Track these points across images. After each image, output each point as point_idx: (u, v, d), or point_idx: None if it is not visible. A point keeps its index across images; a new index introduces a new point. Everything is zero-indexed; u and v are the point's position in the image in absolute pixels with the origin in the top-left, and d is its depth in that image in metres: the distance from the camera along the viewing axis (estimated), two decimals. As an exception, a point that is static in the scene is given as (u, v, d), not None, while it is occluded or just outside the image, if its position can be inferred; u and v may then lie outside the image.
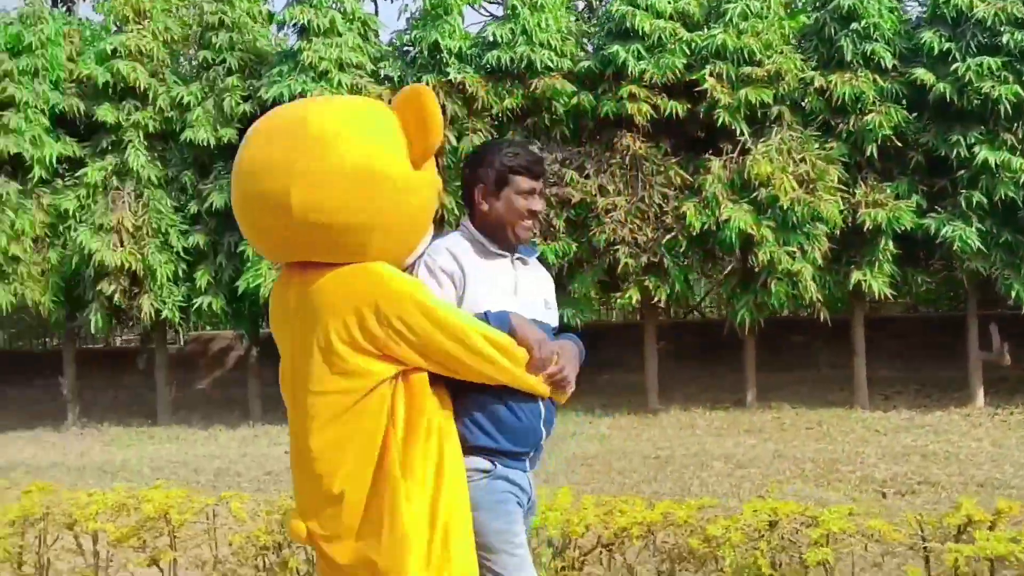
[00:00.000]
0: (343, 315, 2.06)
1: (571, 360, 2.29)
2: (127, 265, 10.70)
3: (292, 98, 10.26)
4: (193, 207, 11.27)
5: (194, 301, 11.14)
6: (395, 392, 2.09)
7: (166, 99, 11.43)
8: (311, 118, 2.08)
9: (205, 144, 10.99)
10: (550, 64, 10.40)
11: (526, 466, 2.31)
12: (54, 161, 11.46)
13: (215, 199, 10.88)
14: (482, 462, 2.22)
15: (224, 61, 11.28)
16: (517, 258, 2.36)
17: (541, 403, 2.31)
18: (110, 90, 11.45)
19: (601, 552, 3.28)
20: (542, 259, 3.17)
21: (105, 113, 11.34)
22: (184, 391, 13.26)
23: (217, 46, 11.31)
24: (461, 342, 2.10)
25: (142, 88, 11.38)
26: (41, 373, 13.47)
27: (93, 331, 11.50)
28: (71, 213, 11.23)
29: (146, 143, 11.44)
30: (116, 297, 10.84)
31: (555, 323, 2.44)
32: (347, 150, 2.02)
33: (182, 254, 11.20)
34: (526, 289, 2.34)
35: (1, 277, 11.08)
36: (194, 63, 11.69)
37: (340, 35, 10.88)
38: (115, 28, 11.75)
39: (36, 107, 11.42)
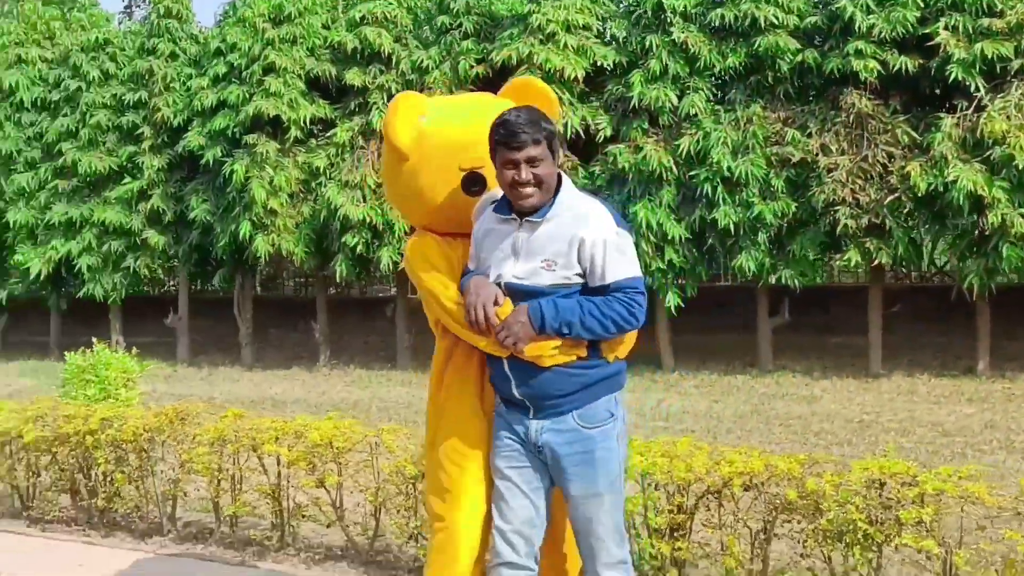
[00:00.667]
0: None
1: (517, 322, 3.27)
2: (368, 219, 15.33)
3: (520, 61, 14.40)
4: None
5: (428, 254, 15.56)
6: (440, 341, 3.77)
7: (408, 63, 15.96)
8: None
9: (443, 105, 15.33)
10: (775, 21, 13.61)
11: (524, 415, 3.43)
12: (308, 122, 16.42)
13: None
14: (499, 403, 3.58)
15: (460, 25, 15.59)
16: (526, 220, 3.35)
17: (504, 362, 3.40)
18: (358, 55, 16.21)
19: (709, 499, 4.56)
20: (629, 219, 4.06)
21: (353, 77, 16.12)
22: (428, 337, 17.99)
23: (455, 11, 15.66)
24: (436, 302, 3.57)
25: (386, 53, 15.99)
26: (303, 318, 18.69)
27: (339, 279, 16.44)
28: (322, 170, 16.10)
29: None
30: (359, 248, 15.53)
31: (547, 282, 3.32)
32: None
33: (411, 209, 15.66)
34: (527, 251, 3.35)
35: (260, 228, 16.19)
36: (434, 28, 16.06)
37: (574, -5, 14.76)
38: (364, -4, 16.44)
39: (294, 72, 16.45)
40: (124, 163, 18.35)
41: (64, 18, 20.15)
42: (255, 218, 16.09)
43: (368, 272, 17.45)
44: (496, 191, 3.54)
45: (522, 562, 3.46)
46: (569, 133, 14.37)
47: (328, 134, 16.48)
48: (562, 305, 3.29)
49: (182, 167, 18.11)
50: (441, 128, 3.68)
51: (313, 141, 16.68)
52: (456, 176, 3.64)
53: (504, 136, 3.30)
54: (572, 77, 14.37)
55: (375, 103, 16.01)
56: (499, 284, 3.39)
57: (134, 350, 10.80)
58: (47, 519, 6.65)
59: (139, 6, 28.37)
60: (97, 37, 18.86)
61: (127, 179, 18.31)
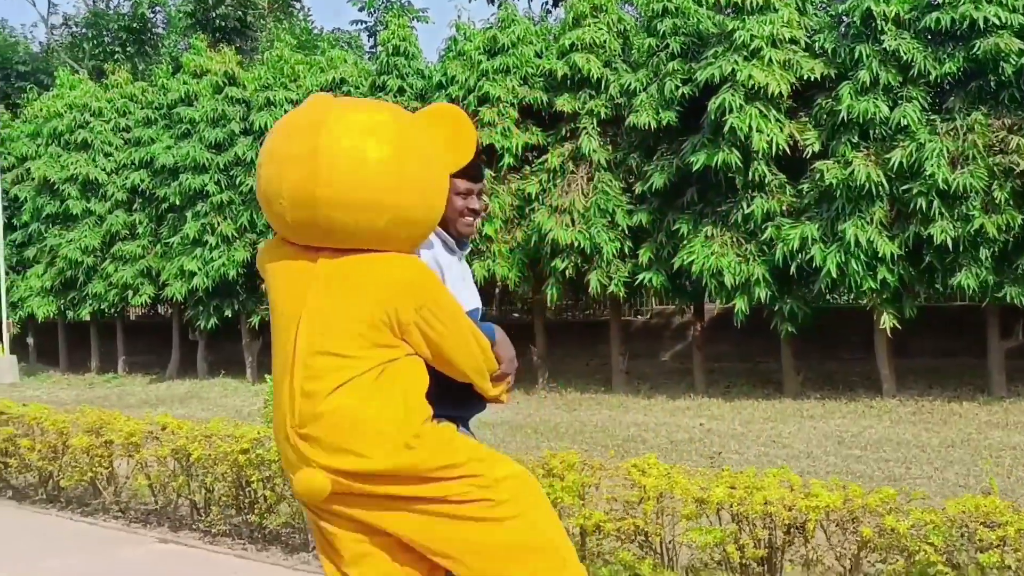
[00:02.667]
0: (383, 299, 2.94)
1: (514, 360, 3.35)
2: (577, 243, 15.48)
3: (723, 79, 14.17)
4: (638, 188, 15.67)
5: (638, 277, 15.52)
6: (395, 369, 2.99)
7: (616, 87, 16.03)
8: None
9: (648, 127, 15.30)
10: (997, 21, 12.72)
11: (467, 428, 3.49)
12: (520, 150, 16.79)
13: (656, 179, 15.14)
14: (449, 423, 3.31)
15: (667, 46, 15.52)
16: (462, 252, 3.50)
17: None
18: (568, 81, 16.45)
19: (795, 534, 4.50)
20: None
21: (564, 103, 16.37)
22: (644, 361, 18.01)
23: (662, 32, 15.61)
24: (465, 347, 3.08)
25: (595, 78, 16.14)
26: (524, 341, 19.12)
27: (549, 304, 16.69)
28: (534, 196, 16.41)
29: (598, 129, 16.18)
30: (568, 272, 15.71)
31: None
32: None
33: (627, 232, 15.66)
34: (470, 280, 3.53)
35: (476, 254, 16.68)
36: (641, 51, 16.07)
37: (776, 11, 14.38)
38: (573, 23, 16.66)
39: (508, 101, 16.87)
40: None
41: (307, 61, 21.59)
42: (472, 244, 16.60)
43: (581, 296, 17.59)
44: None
45: None
46: (775, 150, 13.98)
47: (540, 160, 16.80)
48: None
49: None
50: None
51: (527, 168, 17.05)
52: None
53: (470, 170, 3.37)
54: (777, 93, 13.96)
55: (585, 128, 16.19)
56: (477, 310, 3.45)
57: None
58: (214, 531, 7.16)
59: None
60: (334, 77, 20.11)
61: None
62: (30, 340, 28.02)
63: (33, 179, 25.27)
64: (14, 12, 74.83)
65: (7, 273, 26.17)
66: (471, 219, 3.45)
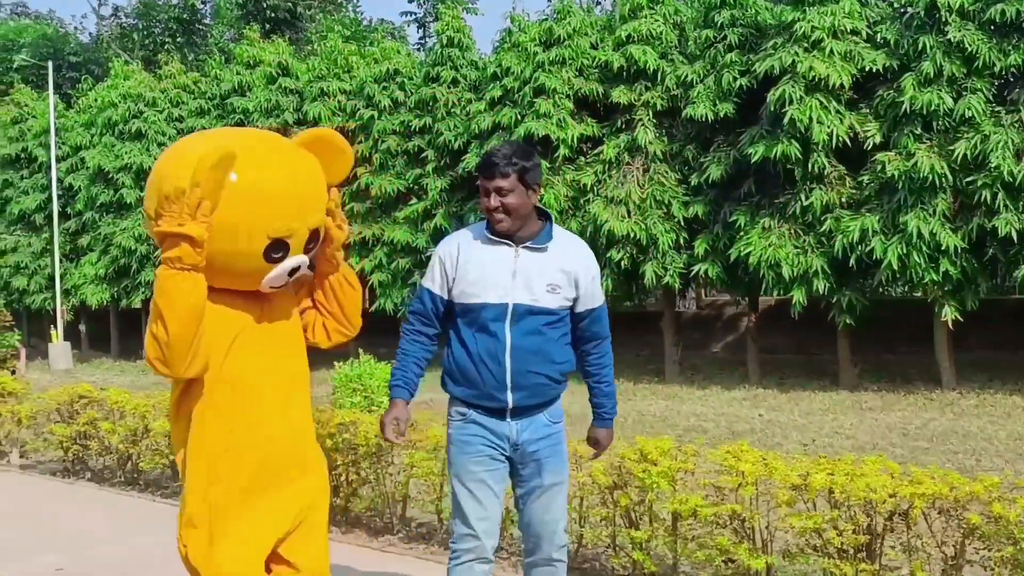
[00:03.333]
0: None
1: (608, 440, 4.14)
2: (632, 234, 15.53)
3: (783, 70, 14.15)
4: (694, 179, 15.68)
5: (693, 268, 15.55)
6: None
7: (672, 78, 16.05)
8: None
9: (704, 119, 15.31)
10: (1064, 13, 12.59)
11: (503, 418, 3.76)
12: (576, 141, 16.84)
13: (713, 171, 15.14)
14: (461, 408, 3.85)
15: (725, 38, 15.51)
16: (523, 246, 3.70)
17: (507, 372, 3.71)
18: (624, 73, 16.47)
19: (897, 521, 4.49)
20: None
21: (620, 94, 16.41)
22: (696, 352, 18.03)
23: (719, 23, 15.59)
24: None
25: (652, 69, 16.16)
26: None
27: (605, 293, 16.75)
28: (589, 187, 16.46)
29: (654, 120, 16.20)
30: (624, 263, 15.76)
31: (554, 304, 3.72)
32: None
33: (683, 224, 15.68)
34: (527, 274, 3.70)
35: (532, 245, 16.78)
36: (698, 43, 16.08)
37: (837, 1, 14.33)
38: (629, 15, 16.68)
39: (563, 93, 16.93)
40: (411, 185, 19.58)
41: (360, 52, 21.75)
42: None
43: (636, 287, 17.62)
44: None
45: (490, 556, 3.87)
46: (835, 142, 13.95)
47: (595, 151, 16.85)
48: (614, 401, 4.15)
49: (463, 187, 19.06)
50: (248, 197, 3.15)
51: (581, 159, 17.10)
52: (263, 242, 3.18)
53: (480, 167, 3.77)
54: (838, 84, 13.93)
55: (640, 119, 16.22)
56: (504, 305, 3.72)
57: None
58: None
59: (432, 36, 30.06)
60: (388, 68, 20.27)
61: (413, 200, 19.52)
62: (83, 327, 28.44)
63: (87, 168, 25.65)
64: (65, 4, 75.73)
65: (61, 261, 26.57)
66: (491, 215, 3.71)
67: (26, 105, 29.06)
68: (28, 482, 9.15)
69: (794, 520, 4.75)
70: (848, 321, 14.32)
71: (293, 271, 3.25)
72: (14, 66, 35.40)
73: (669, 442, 5.45)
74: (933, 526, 4.51)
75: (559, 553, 3.96)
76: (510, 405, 3.76)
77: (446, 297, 3.88)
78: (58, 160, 26.81)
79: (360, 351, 10.98)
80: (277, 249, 3.18)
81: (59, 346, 25.07)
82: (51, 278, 26.67)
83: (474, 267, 3.74)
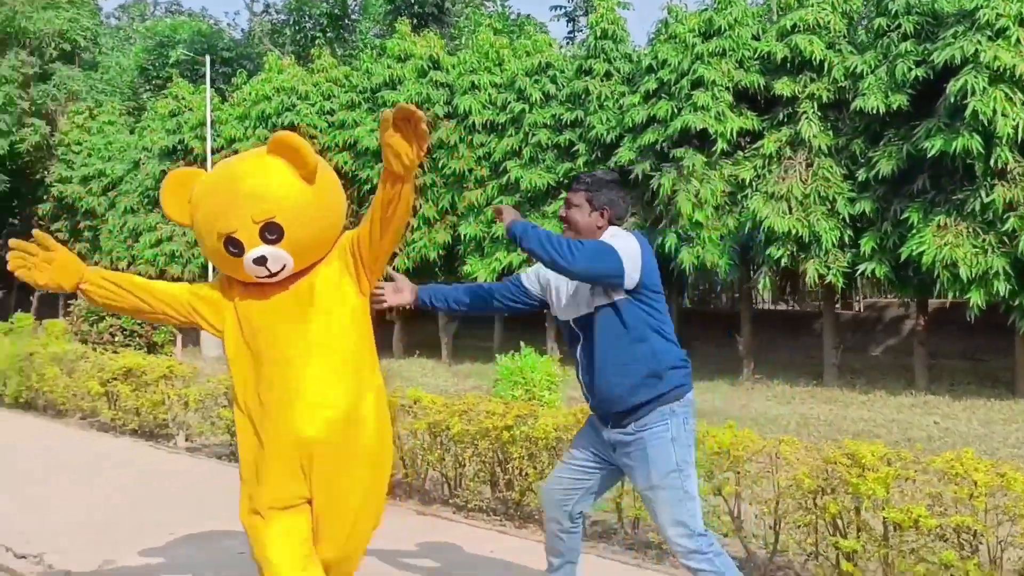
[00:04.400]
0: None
1: (508, 211, 4.06)
2: (794, 231, 14.99)
3: (965, 60, 13.44)
4: (862, 174, 15.05)
5: (858, 267, 14.93)
6: None
7: (840, 69, 15.43)
8: None
9: (875, 112, 14.66)
10: None
11: (604, 422, 4.05)
12: (735, 134, 16.38)
13: (883, 166, 14.50)
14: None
15: (899, 26, 14.82)
16: None
17: (583, 378, 4.08)
18: (788, 64, 15.93)
19: None
20: None
21: (783, 86, 15.88)
22: (855, 355, 17.40)
23: (893, 11, 14.92)
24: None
25: (818, 60, 15.57)
26: (729, 330, 18.78)
27: (762, 293, 16.24)
28: (747, 182, 15.98)
29: (819, 113, 15.62)
30: (783, 261, 15.24)
31: (580, 311, 4.07)
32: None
33: (848, 221, 15.07)
34: (565, 287, 4.16)
35: (686, 241, 16.39)
36: (869, 32, 15.42)
37: (1025, -13, 13.54)
38: (795, 4, 16.11)
39: (722, 85, 16.49)
40: (561, 179, 19.39)
41: (512, 45, 21.67)
42: (680, 231, 16.34)
43: (794, 286, 17.06)
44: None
45: (554, 515, 4.32)
46: (1021, 136, 13.16)
47: (755, 145, 16.35)
48: (528, 230, 3.88)
49: (613, 182, 18.75)
50: (199, 203, 3.83)
51: (740, 153, 16.63)
52: (218, 240, 3.75)
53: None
54: (1023, 75, 13.14)
55: (804, 112, 15.67)
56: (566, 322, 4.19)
57: (550, 356, 11.33)
58: (469, 507, 7.16)
59: (581, 30, 29.83)
60: (540, 61, 20.12)
61: (563, 194, 19.29)
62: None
63: (240, 159, 26.22)
64: (217, 1, 78.35)
65: (214, 250, 27.25)
66: (563, 225, 4.20)
67: (183, 98, 30.01)
68: (197, 466, 9.27)
69: (1035, 537, 4.35)
70: (1030, 327, 13.53)
71: (260, 260, 3.72)
72: (171, 61, 36.61)
73: (882, 447, 5.09)
74: None
75: (682, 558, 3.96)
76: (598, 412, 4.10)
77: (536, 293, 4.41)
78: (213, 152, 27.57)
79: (522, 344, 10.83)
80: (234, 244, 3.71)
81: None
82: (204, 267, 27.44)
83: (553, 285, 4.22)
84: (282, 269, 3.79)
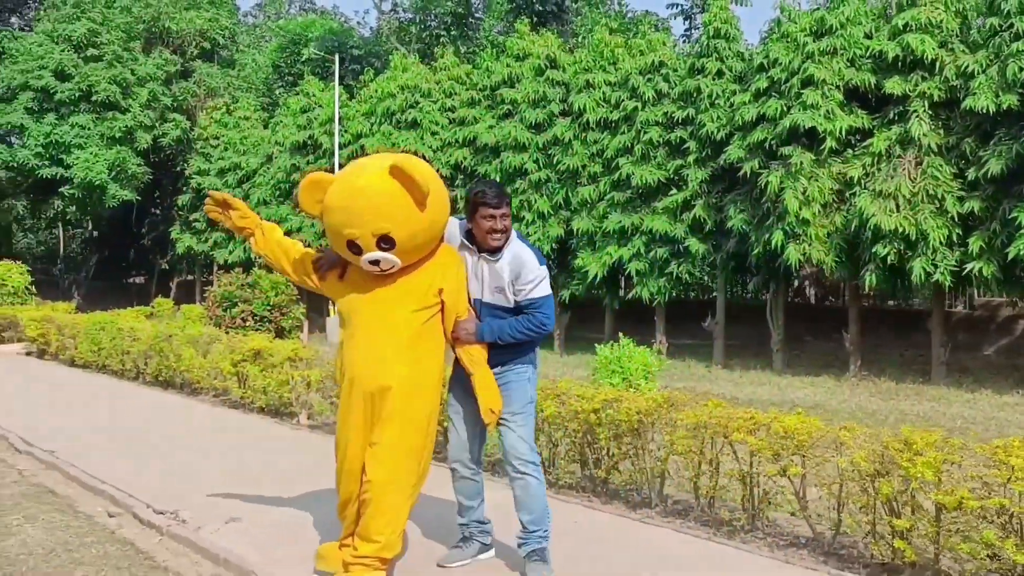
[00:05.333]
0: None
1: (464, 329, 5.06)
2: (901, 229, 15.05)
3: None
4: (971, 173, 15.01)
5: (966, 266, 14.91)
6: None
7: (952, 69, 15.41)
8: None
9: (985, 111, 14.62)
10: None
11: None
12: (844, 132, 16.47)
13: (992, 165, 14.45)
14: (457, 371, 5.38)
15: (1011, 26, 14.73)
16: (482, 257, 5.05)
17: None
18: (899, 63, 15.96)
19: None
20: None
21: (894, 85, 15.92)
22: (966, 353, 17.32)
23: (1005, 11, 14.84)
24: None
25: (929, 59, 15.57)
26: (838, 327, 18.86)
27: (867, 290, 16.32)
28: (856, 180, 16.08)
29: (930, 112, 15.61)
30: (890, 258, 15.30)
31: (506, 303, 5.08)
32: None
33: (956, 219, 15.05)
34: (483, 277, 5.10)
35: (792, 237, 16.57)
36: (981, 31, 15.34)
37: None
38: (908, 3, 16.12)
39: (832, 84, 16.60)
40: (671, 175, 19.73)
41: (627, 44, 22.06)
42: (788, 228, 16.54)
43: (901, 283, 17.06)
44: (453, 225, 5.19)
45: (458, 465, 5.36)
46: None
47: (864, 144, 16.42)
48: (496, 324, 5.10)
49: (723, 179, 19.03)
50: (330, 207, 4.84)
51: (849, 151, 16.71)
52: (343, 241, 4.82)
53: (489, 199, 4.95)
54: None
55: (915, 111, 15.68)
56: (475, 301, 5.18)
57: (658, 348, 11.74)
58: (560, 484, 7.69)
59: (697, 28, 29.94)
60: (653, 60, 20.48)
61: (673, 191, 19.66)
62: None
63: (366, 155, 27.26)
64: (348, 1, 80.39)
65: (340, 241, 28.39)
66: (495, 235, 4.98)
67: (313, 95, 31.27)
68: (317, 441, 10.02)
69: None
70: None
71: (374, 262, 4.80)
72: (303, 59, 38.03)
73: (936, 434, 5.43)
74: None
75: (523, 468, 5.16)
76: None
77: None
78: (340, 147, 28.68)
79: (620, 334, 11.30)
80: (354, 247, 4.78)
81: (335, 319, 26.90)
82: (330, 257, 28.56)
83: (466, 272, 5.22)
84: (391, 268, 4.86)
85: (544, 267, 5.17)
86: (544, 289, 5.16)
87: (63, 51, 35.97)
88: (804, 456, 5.95)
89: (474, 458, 5.37)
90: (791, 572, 5.49)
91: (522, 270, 5.08)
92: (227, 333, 16.22)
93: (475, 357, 5.10)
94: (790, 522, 6.42)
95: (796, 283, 23.88)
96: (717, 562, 5.65)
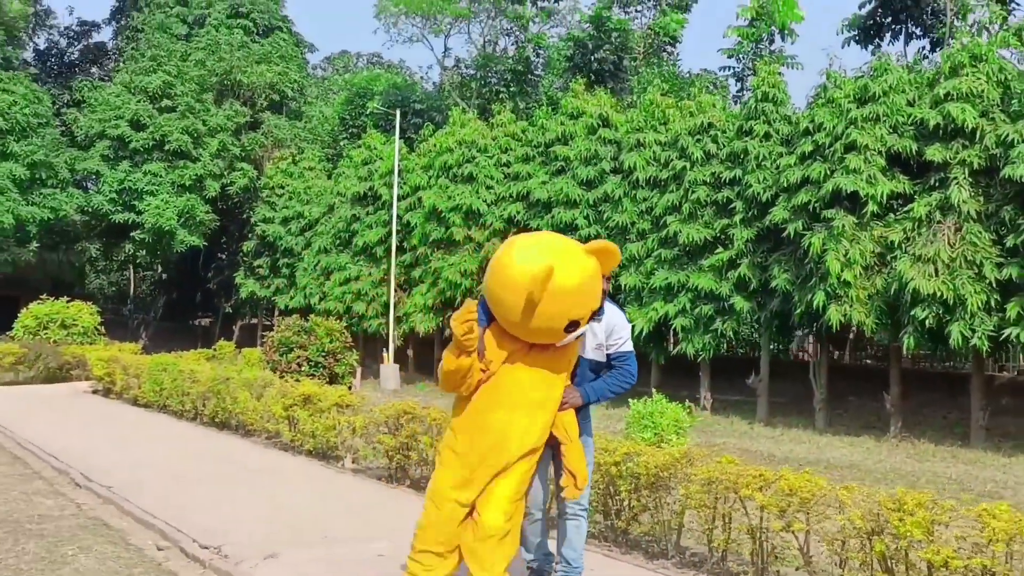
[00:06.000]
0: None
1: (572, 396, 5.63)
2: (940, 293, 15.23)
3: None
4: (1010, 240, 15.18)
5: (1004, 331, 15.02)
6: None
7: (992, 137, 15.64)
8: None
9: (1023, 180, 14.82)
10: None
11: None
12: (885, 197, 16.72)
13: (1031, 233, 14.61)
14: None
15: (1051, 96, 14.97)
16: (592, 320, 5.54)
17: None
18: (940, 131, 16.23)
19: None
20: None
21: (934, 152, 16.18)
22: (1010, 418, 17.34)
23: (1044, 81, 15.08)
24: None
25: (970, 128, 15.82)
26: (881, 388, 18.91)
27: (906, 352, 16.46)
28: (896, 244, 16.31)
29: (970, 179, 15.83)
30: (928, 321, 15.47)
31: (601, 358, 5.77)
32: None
33: (995, 285, 15.20)
34: (590, 336, 5.67)
35: (834, 298, 16.80)
36: (1022, 100, 15.56)
37: None
38: (950, 72, 16.41)
39: (875, 149, 16.91)
40: (717, 234, 20.07)
41: (677, 105, 22.54)
42: (829, 289, 16.77)
43: (940, 346, 17.15)
44: None
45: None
46: None
47: (905, 209, 16.66)
48: (596, 385, 5.74)
49: (768, 239, 19.30)
50: (562, 287, 5.12)
51: (891, 216, 16.94)
52: (564, 322, 5.24)
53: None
54: None
55: (955, 178, 15.91)
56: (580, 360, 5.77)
57: (703, 404, 12.03)
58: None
59: (748, 90, 30.37)
60: (702, 121, 20.92)
61: (719, 249, 19.98)
62: (410, 352, 30.88)
63: (423, 207, 28.01)
64: (414, 55, 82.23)
65: (395, 291, 29.10)
66: (603, 297, 5.56)
67: (375, 148, 32.18)
68: (358, 484, 10.48)
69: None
70: None
71: (579, 335, 5.41)
72: (367, 112, 39.09)
73: (927, 495, 5.72)
74: None
75: (580, 511, 5.93)
76: None
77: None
78: (399, 199, 29.44)
79: (654, 391, 11.63)
80: (572, 326, 5.27)
81: (389, 368, 27.48)
82: (386, 305, 29.25)
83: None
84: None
85: (630, 325, 5.92)
86: (631, 344, 5.81)
87: (139, 102, 37.47)
88: (808, 513, 6.27)
89: (547, 501, 6.04)
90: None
91: (615, 327, 5.69)
92: (282, 377, 16.81)
93: (570, 432, 5.59)
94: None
95: (844, 342, 23.93)
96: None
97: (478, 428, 5.40)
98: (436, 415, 10.02)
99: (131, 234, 37.55)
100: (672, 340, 20.98)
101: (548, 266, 5.02)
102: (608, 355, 5.75)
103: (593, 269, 5.27)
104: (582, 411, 5.82)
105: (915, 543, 5.54)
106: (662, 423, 10.85)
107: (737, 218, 19.72)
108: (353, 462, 11.71)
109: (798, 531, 6.30)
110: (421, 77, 52.67)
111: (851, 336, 22.17)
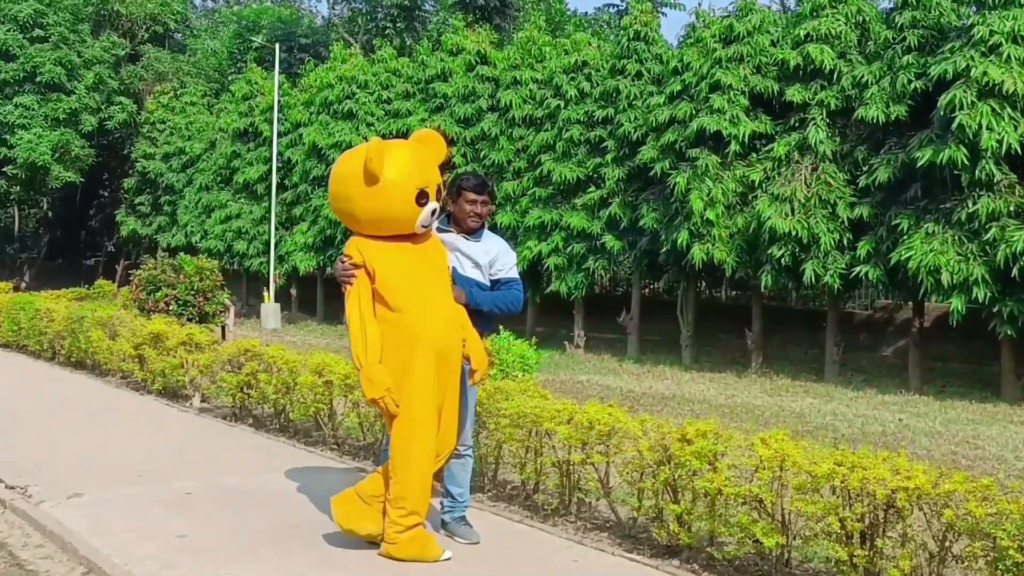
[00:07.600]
0: None
1: (459, 294, 5.58)
2: (795, 232, 15.57)
3: (956, 75, 13.87)
4: (862, 181, 15.56)
5: (854, 269, 15.45)
6: None
7: (849, 79, 15.94)
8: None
9: (876, 121, 15.16)
10: None
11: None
12: (748, 137, 16.97)
13: (880, 174, 15.00)
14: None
15: (905, 39, 15.27)
16: (464, 237, 5.71)
17: None
18: (801, 72, 16.48)
19: (891, 513, 4.79)
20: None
21: (794, 93, 16.45)
22: (864, 353, 17.91)
23: (899, 25, 15.37)
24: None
25: (828, 69, 16.09)
26: (744, 324, 19.31)
27: (764, 289, 16.85)
28: (757, 184, 16.59)
29: (827, 120, 16.14)
30: (784, 260, 15.83)
31: (482, 279, 5.75)
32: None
33: (847, 225, 15.59)
34: (465, 256, 5.72)
35: (697, 237, 17.06)
36: (877, 42, 15.87)
37: (1020, 6, 13.89)
38: (811, 13, 16.63)
39: (739, 89, 17.10)
40: (590, 173, 20.17)
41: (553, 43, 22.46)
42: (693, 227, 17.02)
43: (796, 284, 17.59)
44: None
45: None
46: (1006, 149, 13.57)
47: (767, 149, 16.93)
48: (482, 293, 5.74)
49: (638, 178, 19.47)
50: (393, 150, 5.30)
51: (753, 155, 17.21)
52: (413, 193, 5.26)
53: (474, 185, 5.74)
54: (1011, 91, 13.53)
55: (813, 119, 16.20)
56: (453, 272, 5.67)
57: (577, 342, 12.08)
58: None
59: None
60: (576, 59, 20.89)
61: (591, 188, 20.10)
62: (293, 291, 30.55)
63: (304, 144, 27.56)
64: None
65: (277, 229, 28.67)
66: (476, 219, 5.73)
67: (256, 83, 31.44)
68: (199, 423, 10.36)
69: (800, 504, 5.10)
70: (1009, 332, 13.95)
71: (432, 211, 5.33)
72: (254, 46, 38.14)
73: (712, 424, 5.85)
74: (920, 520, 4.78)
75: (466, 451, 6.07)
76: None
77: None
78: (280, 135, 28.89)
79: (500, 328, 11.67)
80: (422, 196, 5.25)
81: (270, 307, 27.11)
82: (267, 244, 28.82)
83: (451, 253, 5.76)
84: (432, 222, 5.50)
85: (514, 254, 6.12)
86: (516, 272, 5.98)
87: (8, 31, 35.81)
88: (607, 445, 6.37)
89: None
90: (579, 552, 5.91)
91: (499, 252, 5.85)
92: (149, 317, 16.44)
93: (464, 322, 5.57)
94: (593, 506, 6.85)
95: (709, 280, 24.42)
96: (509, 541, 6.05)
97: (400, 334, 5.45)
98: (275, 352, 9.93)
99: (3, 169, 36.18)
100: (546, 279, 21.10)
101: (374, 139, 5.37)
102: (493, 281, 5.86)
103: (419, 143, 5.54)
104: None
105: (699, 472, 5.67)
106: (508, 360, 10.90)
107: (609, 157, 19.83)
108: (203, 401, 11.56)
109: (598, 463, 6.40)
110: (310, 11, 51.43)
111: (724, 275, 22.56)
